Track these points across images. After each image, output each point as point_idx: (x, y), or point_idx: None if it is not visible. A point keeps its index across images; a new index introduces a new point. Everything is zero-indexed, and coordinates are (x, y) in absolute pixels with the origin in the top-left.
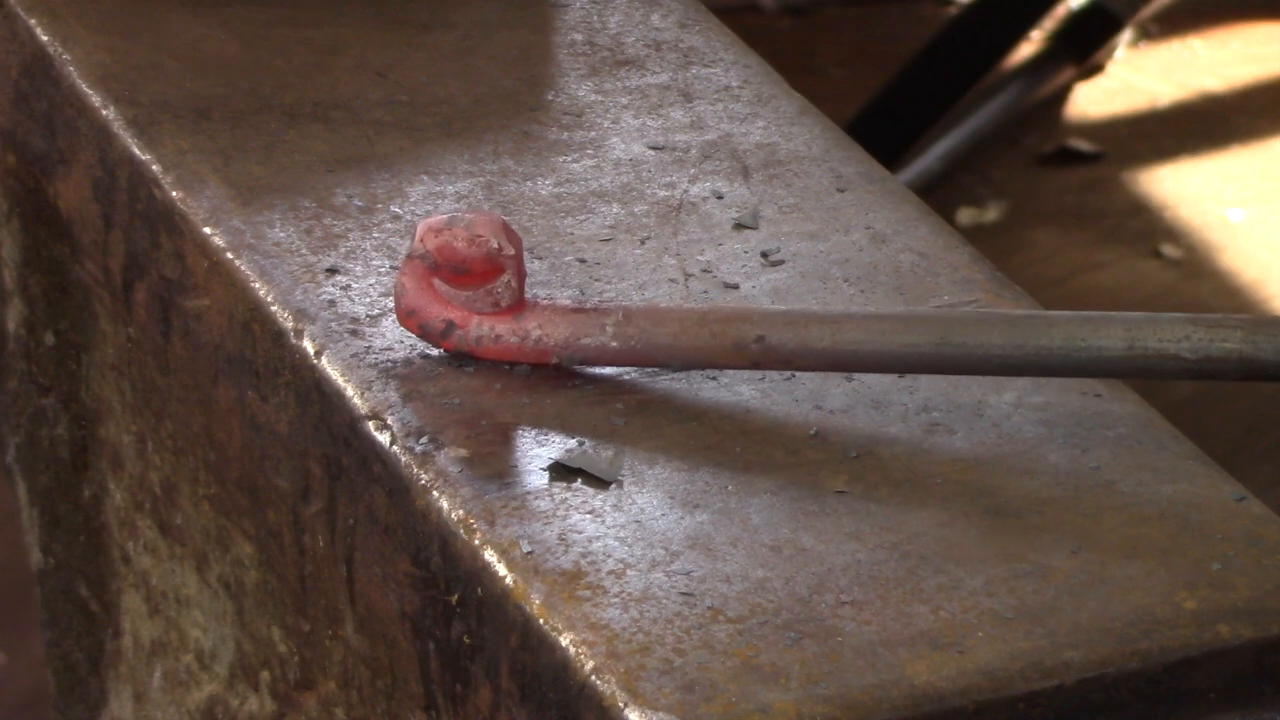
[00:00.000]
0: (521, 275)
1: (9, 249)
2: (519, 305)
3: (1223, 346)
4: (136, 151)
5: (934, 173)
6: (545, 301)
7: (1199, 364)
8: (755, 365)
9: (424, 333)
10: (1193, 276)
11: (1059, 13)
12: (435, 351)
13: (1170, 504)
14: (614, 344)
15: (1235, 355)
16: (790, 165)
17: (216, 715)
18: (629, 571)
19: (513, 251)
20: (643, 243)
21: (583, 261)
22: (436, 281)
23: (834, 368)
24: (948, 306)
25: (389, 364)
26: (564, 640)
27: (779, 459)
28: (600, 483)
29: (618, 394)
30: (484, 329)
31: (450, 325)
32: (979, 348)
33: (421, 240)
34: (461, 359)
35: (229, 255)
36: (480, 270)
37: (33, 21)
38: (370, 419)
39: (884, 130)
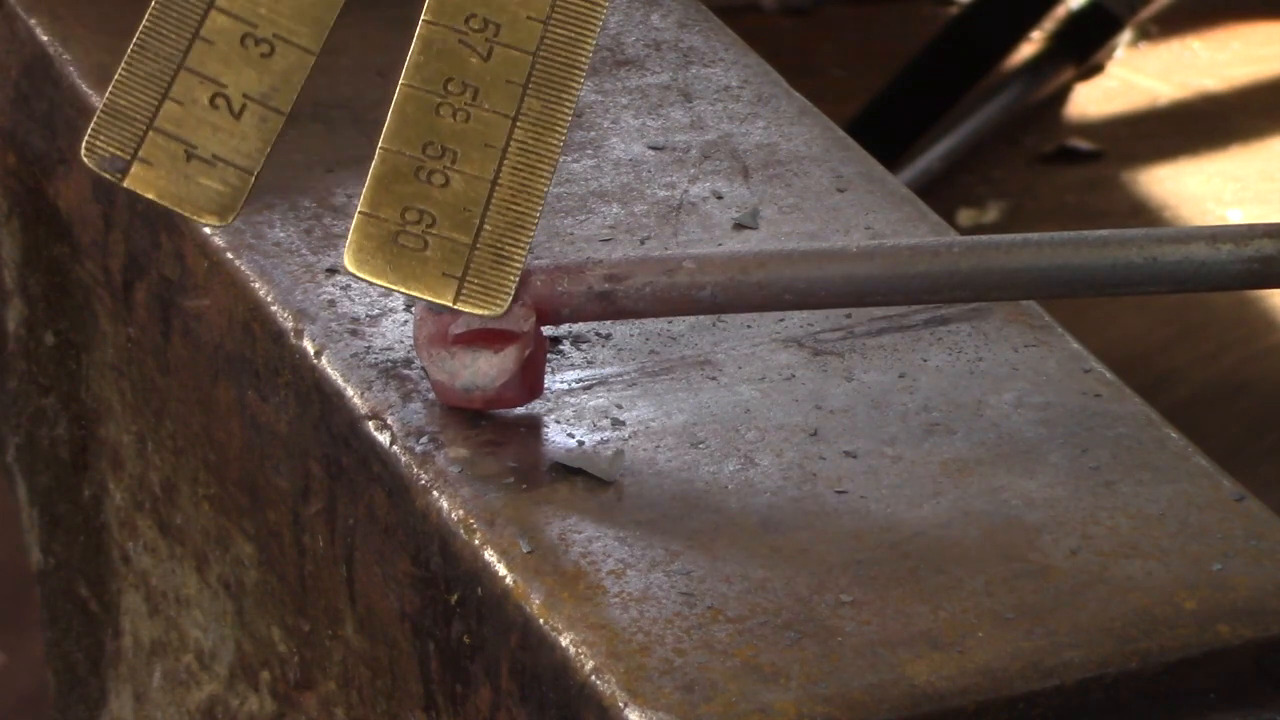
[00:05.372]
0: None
1: (9, 249)
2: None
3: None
4: None
5: (934, 173)
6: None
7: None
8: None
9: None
10: None
11: (1059, 13)
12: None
13: (1170, 504)
14: (604, 285)
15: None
16: (790, 165)
17: (216, 715)
18: (629, 571)
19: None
20: (643, 243)
21: None
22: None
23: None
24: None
25: (389, 364)
26: (564, 640)
27: (779, 459)
28: (600, 483)
29: (618, 394)
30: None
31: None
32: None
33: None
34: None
35: (229, 255)
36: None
37: (33, 21)
38: (370, 419)
39: (884, 130)
